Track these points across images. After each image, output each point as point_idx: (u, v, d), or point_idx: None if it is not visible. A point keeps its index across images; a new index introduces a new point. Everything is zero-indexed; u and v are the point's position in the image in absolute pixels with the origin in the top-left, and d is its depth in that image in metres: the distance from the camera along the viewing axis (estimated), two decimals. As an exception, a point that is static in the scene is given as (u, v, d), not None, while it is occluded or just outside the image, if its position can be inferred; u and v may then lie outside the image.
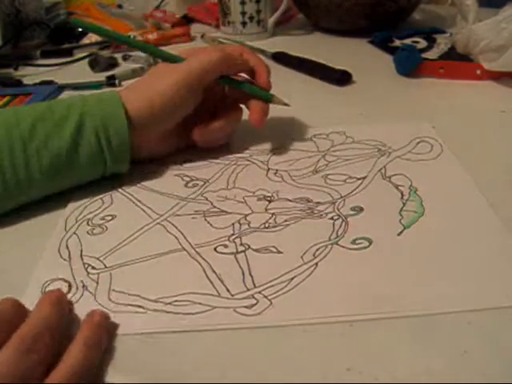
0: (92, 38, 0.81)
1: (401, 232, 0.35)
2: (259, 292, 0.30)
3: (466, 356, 0.26)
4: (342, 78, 0.60)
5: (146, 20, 0.86)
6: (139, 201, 0.40)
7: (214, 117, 0.45)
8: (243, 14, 0.76)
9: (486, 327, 0.27)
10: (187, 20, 0.88)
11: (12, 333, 0.26)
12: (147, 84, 0.42)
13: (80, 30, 0.82)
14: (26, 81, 0.67)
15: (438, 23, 0.78)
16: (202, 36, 0.80)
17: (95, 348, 0.26)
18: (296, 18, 0.87)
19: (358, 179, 0.41)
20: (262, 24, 0.78)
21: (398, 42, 0.70)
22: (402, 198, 0.38)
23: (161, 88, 0.41)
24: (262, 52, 0.71)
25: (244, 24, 0.77)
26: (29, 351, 0.25)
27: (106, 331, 0.28)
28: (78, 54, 0.75)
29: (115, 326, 0.29)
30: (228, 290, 0.31)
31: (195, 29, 0.84)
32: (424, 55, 0.62)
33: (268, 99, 0.45)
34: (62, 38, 0.81)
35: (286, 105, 0.46)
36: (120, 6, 0.93)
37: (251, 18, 0.77)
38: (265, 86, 0.45)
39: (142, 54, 0.73)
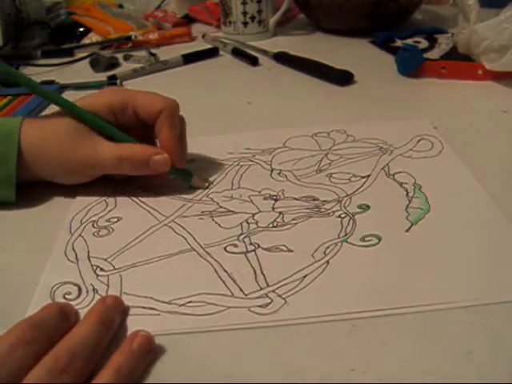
0: (93, 37, 0.81)
1: (408, 228, 0.35)
2: (273, 291, 0.30)
3: (470, 356, 0.26)
4: (343, 78, 0.60)
5: (147, 20, 0.86)
6: (144, 203, 0.40)
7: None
8: (244, 14, 0.76)
9: (490, 327, 0.27)
10: (188, 20, 0.88)
11: (53, 343, 0.26)
12: (52, 139, 0.39)
13: (81, 29, 0.82)
14: (27, 81, 0.67)
15: (440, 23, 0.78)
16: (203, 36, 0.80)
17: (126, 377, 0.25)
18: (297, 18, 0.88)
19: (363, 177, 0.41)
20: (263, 24, 0.78)
21: (399, 42, 0.70)
22: (407, 195, 0.39)
23: (63, 158, 0.39)
24: (264, 52, 0.71)
25: (245, 24, 0.77)
26: (62, 372, 0.24)
27: (143, 358, 0.27)
28: (79, 54, 0.75)
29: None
30: (241, 290, 0.31)
31: (196, 29, 0.84)
32: (425, 55, 0.63)
33: (186, 181, 0.41)
34: (62, 38, 0.81)
35: (203, 188, 0.42)
36: (121, 6, 0.93)
37: (252, 18, 0.77)
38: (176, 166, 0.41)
39: (144, 54, 0.73)
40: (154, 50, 0.75)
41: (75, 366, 0.25)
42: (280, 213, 0.38)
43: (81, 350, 0.25)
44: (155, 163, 0.39)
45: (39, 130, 0.40)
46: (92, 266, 0.34)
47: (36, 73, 0.70)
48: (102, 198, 0.41)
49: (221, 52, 0.74)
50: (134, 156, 0.39)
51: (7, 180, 0.39)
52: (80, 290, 0.32)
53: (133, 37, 0.78)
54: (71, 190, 0.42)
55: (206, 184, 0.42)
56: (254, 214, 0.38)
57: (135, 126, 0.41)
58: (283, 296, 0.30)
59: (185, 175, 0.42)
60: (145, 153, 0.39)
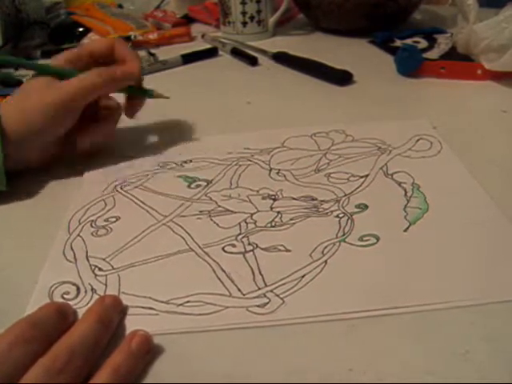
0: (92, 37, 0.81)
1: (407, 228, 0.35)
2: (271, 291, 0.30)
3: (469, 356, 0.26)
4: (342, 78, 0.60)
5: (147, 20, 0.86)
6: (142, 202, 0.40)
7: (92, 120, 0.45)
8: (244, 13, 0.76)
9: (489, 327, 0.27)
10: (187, 20, 0.88)
11: (51, 343, 0.25)
12: (28, 100, 0.42)
13: (81, 29, 0.81)
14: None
15: (439, 23, 0.78)
16: (203, 36, 0.80)
17: (125, 377, 0.25)
18: (296, 18, 0.87)
19: (361, 177, 0.41)
20: (262, 24, 0.78)
21: (398, 42, 0.70)
22: (405, 194, 0.38)
23: (41, 106, 0.41)
24: (263, 52, 0.71)
25: (244, 24, 0.77)
26: (60, 372, 0.24)
27: (142, 358, 0.27)
28: (79, 54, 0.75)
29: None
30: (239, 290, 0.31)
31: (195, 29, 0.84)
32: (425, 55, 0.63)
33: (149, 96, 0.47)
34: (62, 38, 0.81)
35: (166, 97, 0.48)
36: (120, 6, 0.93)
37: (252, 18, 0.77)
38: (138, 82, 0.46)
39: (143, 54, 0.73)
40: (153, 50, 0.75)
41: (73, 365, 0.25)
42: (278, 212, 0.38)
43: (79, 349, 0.25)
44: (123, 72, 0.44)
45: (16, 104, 0.41)
46: (90, 265, 0.34)
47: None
48: (101, 198, 0.41)
49: (220, 52, 0.74)
50: (101, 72, 0.43)
51: None
52: (78, 289, 0.32)
53: (132, 37, 0.77)
54: (70, 190, 0.42)
55: (166, 95, 0.48)
56: (252, 214, 0.38)
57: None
58: (281, 296, 0.30)
59: (145, 91, 0.47)
60: (110, 68, 0.44)
